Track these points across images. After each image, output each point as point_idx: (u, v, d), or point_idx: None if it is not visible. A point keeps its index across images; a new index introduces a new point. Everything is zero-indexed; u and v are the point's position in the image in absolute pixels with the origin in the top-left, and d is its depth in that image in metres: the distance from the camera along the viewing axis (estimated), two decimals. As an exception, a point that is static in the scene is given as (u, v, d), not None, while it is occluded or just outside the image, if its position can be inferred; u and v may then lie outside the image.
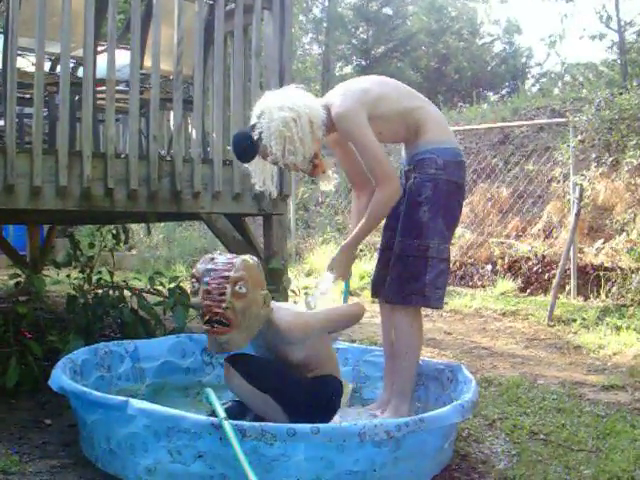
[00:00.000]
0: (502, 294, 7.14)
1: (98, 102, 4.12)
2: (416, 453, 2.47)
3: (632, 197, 7.40)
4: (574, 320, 5.87)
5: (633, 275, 6.48)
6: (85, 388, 2.62)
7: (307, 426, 2.27)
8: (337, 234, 9.67)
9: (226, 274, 2.55)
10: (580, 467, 2.70)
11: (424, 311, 3.20)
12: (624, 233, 7.16)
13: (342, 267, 3.09)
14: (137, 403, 2.38)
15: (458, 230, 3.17)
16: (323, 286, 3.04)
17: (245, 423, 2.30)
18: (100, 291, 4.16)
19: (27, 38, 3.90)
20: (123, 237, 4.65)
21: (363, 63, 22.52)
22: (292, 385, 2.73)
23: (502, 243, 8.02)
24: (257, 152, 2.99)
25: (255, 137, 2.93)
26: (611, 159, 7.63)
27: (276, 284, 4.19)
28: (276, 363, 2.80)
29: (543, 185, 8.49)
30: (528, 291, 7.27)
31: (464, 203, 3.29)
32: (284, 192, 4.42)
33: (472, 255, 8.07)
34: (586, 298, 6.73)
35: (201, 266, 2.62)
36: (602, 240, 7.30)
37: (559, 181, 8.24)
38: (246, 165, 3.16)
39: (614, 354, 4.85)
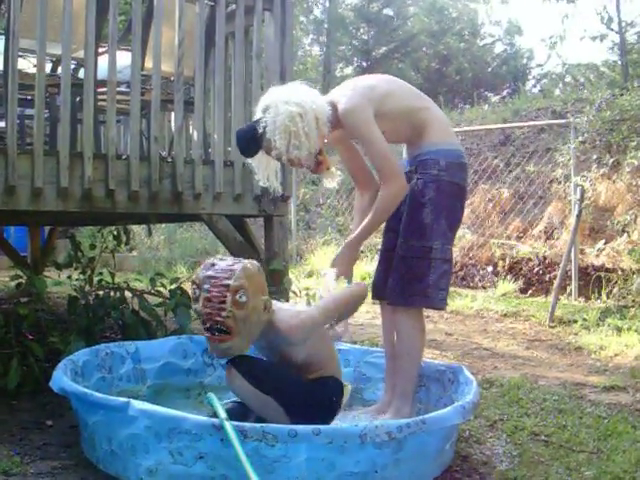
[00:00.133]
0: (503, 295, 7.14)
1: (99, 103, 4.12)
2: (417, 454, 2.47)
3: (633, 198, 7.40)
4: (575, 321, 5.87)
5: (634, 276, 6.48)
6: (86, 389, 2.62)
7: (308, 427, 2.27)
8: (338, 235, 9.67)
9: (226, 282, 2.53)
10: (581, 468, 2.70)
11: (425, 312, 3.20)
12: (625, 234, 7.16)
13: (345, 264, 3.09)
14: (138, 404, 2.38)
15: (459, 231, 3.16)
16: (328, 284, 3.03)
17: (246, 424, 2.30)
18: (101, 292, 4.16)
19: (28, 39, 3.91)
20: (124, 238, 4.65)
21: (364, 64, 22.50)
22: (293, 386, 2.73)
23: (503, 244, 8.02)
24: (261, 146, 2.97)
25: (260, 131, 2.91)
26: (612, 160, 7.63)
27: (277, 285, 4.19)
28: (278, 365, 2.80)
29: (544, 186, 8.49)
30: (529, 292, 7.27)
31: (465, 204, 3.29)
32: (285, 193, 4.41)
33: (473, 256, 8.07)
34: (587, 299, 6.73)
35: (202, 273, 2.61)
36: (603, 241, 7.30)
37: (560, 182, 8.24)
38: (249, 160, 3.15)
39: (615, 355, 4.84)
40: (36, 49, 3.64)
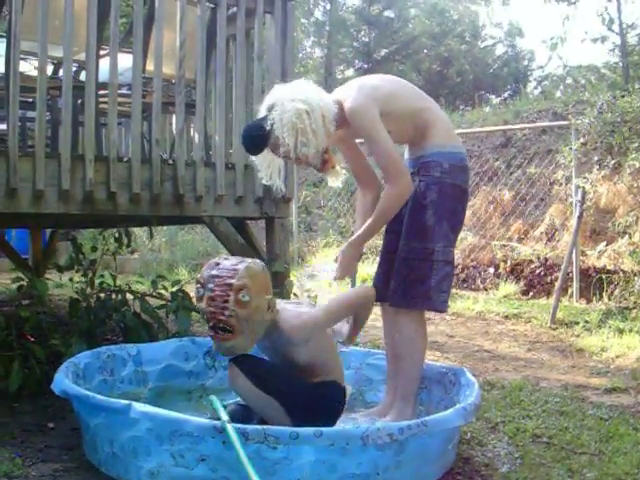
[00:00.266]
0: (504, 297, 7.13)
1: (100, 106, 4.12)
2: (419, 456, 2.47)
3: (634, 200, 7.39)
4: (577, 323, 5.86)
5: (636, 278, 6.47)
6: (88, 392, 2.62)
7: (310, 429, 2.27)
8: (339, 237, 9.67)
9: (229, 282, 2.55)
10: (583, 470, 2.70)
11: (426, 314, 3.20)
12: (626, 236, 7.15)
13: (348, 263, 3.09)
14: (140, 406, 2.38)
15: (460, 233, 3.15)
16: (321, 274, 3.03)
17: (248, 426, 2.30)
18: (102, 295, 4.16)
19: (30, 42, 3.92)
20: (125, 241, 4.64)
21: (365, 66, 22.50)
22: (296, 388, 2.73)
23: (504, 246, 8.02)
24: (267, 144, 2.96)
25: (267, 129, 2.90)
26: (613, 162, 7.62)
27: (279, 287, 4.19)
28: (281, 366, 2.81)
29: (545, 188, 8.48)
30: (530, 294, 7.26)
31: (467, 206, 3.28)
32: (286, 195, 4.41)
33: (474, 258, 8.06)
34: (589, 301, 6.72)
35: (206, 272, 2.62)
36: (604, 243, 7.29)
37: (561, 184, 8.23)
38: (253, 158, 3.13)
39: (617, 357, 4.84)
40: (37, 51, 3.64)
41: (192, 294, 4.33)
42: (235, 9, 4.36)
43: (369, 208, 3.19)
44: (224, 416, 2.35)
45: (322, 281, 3.05)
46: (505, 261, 7.73)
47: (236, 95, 4.39)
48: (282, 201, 4.44)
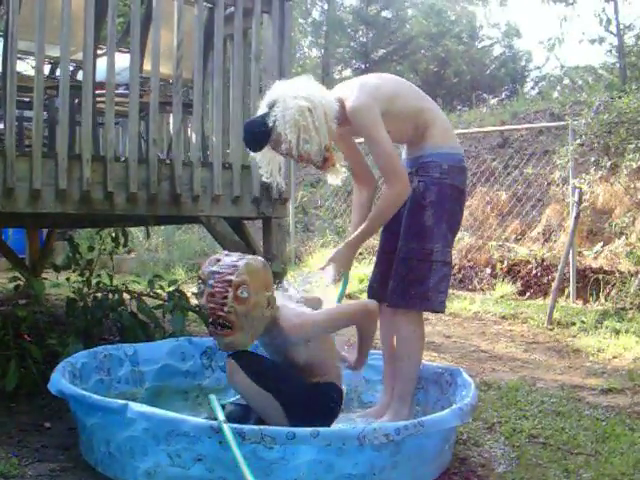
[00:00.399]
0: (501, 297, 7.14)
1: (98, 105, 4.12)
2: (415, 457, 2.47)
3: (631, 200, 7.41)
4: (573, 323, 5.88)
5: (632, 278, 6.49)
6: (84, 391, 2.62)
7: (306, 430, 2.27)
8: (336, 237, 9.67)
9: (229, 278, 2.57)
10: (579, 471, 2.70)
11: (423, 315, 3.20)
12: (623, 236, 7.17)
13: (344, 264, 3.08)
14: (136, 406, 2.38)
15: (458, 234, 3.16)
16: (328, 279, 3.01)
17: (244, 426, 2.30)
18: (99, 294, 4.16)
19: (27, 41, 3.91)
20: (122, 240, 4.64)
21: (362, 66, 22.50)
22: (294, 387, 2.73)
23: (501, 246, 8.03)
24: (268, 141, 2.96)
25: (270, 125, 2.89)
26: (610, 162, 7.63)
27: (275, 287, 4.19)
28: (281, 364, 2.81)
29: (542, 188, 8.50)
30: (527, 294, 7.28)
31: (464, 207, 3.29)
32: (283, 195, 4.41)
33: (471, 258, 8.07)
34: (585, 301, 6.74)
35: (207, 268, 2.65)
36: (601, 243, 7.31)
37: (558, 184, 8.25)
38: (253, 154, 3.12)
39: (613, 357, 4.85)
40: (35, 51, 3.64)
41: (189, 294, 4.35)
42: (233, 9, 4.35)
43: (365, 203, 3.23)
44: (221, 416, 2.36)
45: (318, 284, 3.04)
46: (502, 261, 7.74)
47: (233, 95, 4.39)
48: (279, 201, 4.44)
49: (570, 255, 6.70)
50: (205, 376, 3.56)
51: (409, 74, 21.63)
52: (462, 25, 23.72)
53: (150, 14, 4.14)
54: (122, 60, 4.08)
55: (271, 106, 2.93)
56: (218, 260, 2.66)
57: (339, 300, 3.15)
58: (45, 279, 4.19)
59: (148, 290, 4.30)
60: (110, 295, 4.15)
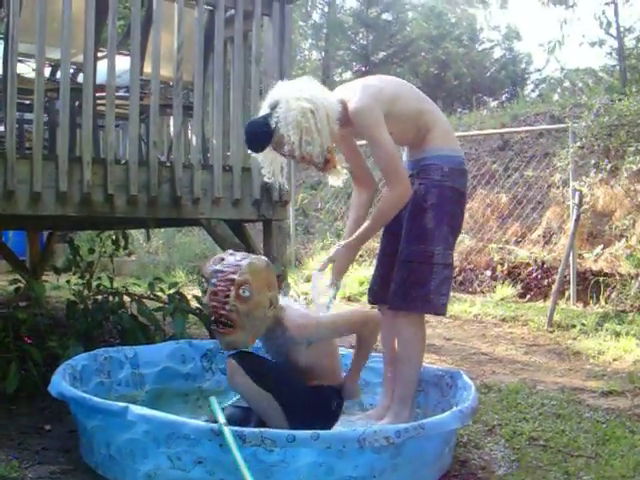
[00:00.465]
0: (501, 300, 7.13)
1: (98, 108, 4.12)
2: (416, 459, 2.47)
3: (631, 203, 7.40)
4: (573, 326, 5.87)
5: (632, 281, 6.49)
6: (85, 394, 2.62)
7: (307, 432, 2.27)
8: (337, 240, 9.65)
9: (231, 277, 2.59)
10: (580, 473, 2.70)
11: (424, 317, 3.20)
12: (623, 239, 7.16)
13: (342, 266, 3.08)
14: (137, 409, 2.39)
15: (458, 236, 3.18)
16: (318, 287, 3.02)
17: (245, 429, 2.30)
18: (100, 297, 4.16)
19: (27, 44, 3.91)
20: (123, 243, 4.65)
21: (363, 69, 22.49)
22: (295, 389, 2.73)
23: (501, 249, 8.02)
24: (270, 142, 2.95)
25: (272, 126, 2.89)
26: (610, 165, 7.63)
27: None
28: (282, 365, 2.81)
29: (542, 191, 8.49)
30: (527, 297, 7.27)
31: (465, 210, 3.29)
32: (284, 198, 4.42)
33: (472, 261, 8.07)
34: (585, 304, 6.73)
35: (211, 267, 2.67)
36: (601, 246, 7.30)
37: (558, 187, 8.24)
38: (255, 155, 3.11)
39: (613, 360, 4.85)
40: (35, 53, 3.64)
41: (189, 296, 4.35)
42: (233, 11, 4.36)
43: (363, 204, 3.24)
44: (221, 418, 2.36)
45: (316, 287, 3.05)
46: (502, 264, 7.74)
47: (234, 98, 4.39)
48: (279, 204, 4.44)
49: (570, 257, 6.69)
50: (205, 379, 3.57)
51: (409, 76, 21.62)
52: (462, 28, 23.74)
53: (150, 17, 4.14)
54: (122, 63, 4.08)
55: (273, 107, 2.92)
56: (222, 259, 2.68)
57: (329, 304, 3.14)
58: (45, 281, 4.20)
59: (148, 293, 4.30)
60: (110, 298, 4.15)
